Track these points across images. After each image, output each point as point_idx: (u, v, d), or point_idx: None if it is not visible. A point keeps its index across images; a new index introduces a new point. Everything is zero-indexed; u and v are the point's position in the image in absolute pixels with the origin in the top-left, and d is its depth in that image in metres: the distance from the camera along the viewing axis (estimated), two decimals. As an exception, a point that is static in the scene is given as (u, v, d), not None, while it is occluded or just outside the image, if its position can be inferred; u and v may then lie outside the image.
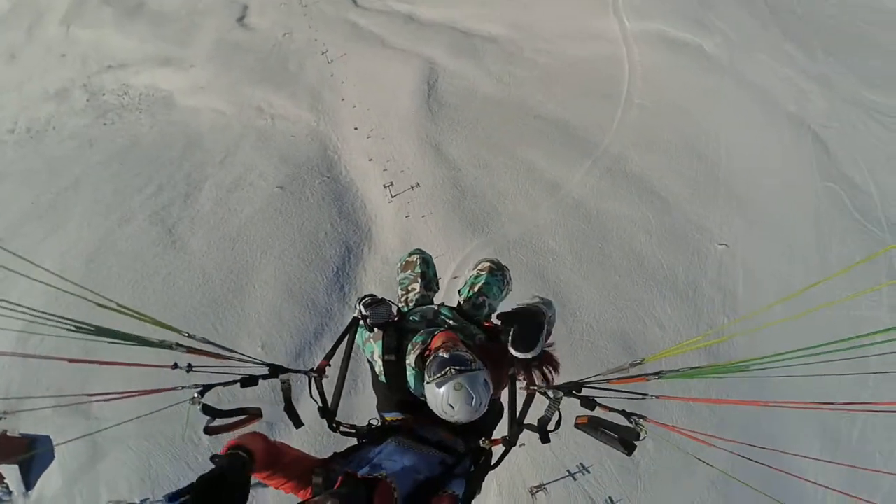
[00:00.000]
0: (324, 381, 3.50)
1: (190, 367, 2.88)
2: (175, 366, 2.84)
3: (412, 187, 18.09)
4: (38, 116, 28.02)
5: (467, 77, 22.29)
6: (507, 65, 22.46)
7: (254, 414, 2.94)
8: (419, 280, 4.01)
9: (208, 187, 19.63)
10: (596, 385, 2.92)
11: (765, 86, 17.43)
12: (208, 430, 2.81)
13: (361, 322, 3.51)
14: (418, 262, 4.11)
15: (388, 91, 22.45)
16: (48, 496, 12.47)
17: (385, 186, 17.93)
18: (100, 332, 2.52)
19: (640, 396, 2.73)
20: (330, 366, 3.55)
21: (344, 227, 17.74)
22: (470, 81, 22.07)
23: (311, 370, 3.45)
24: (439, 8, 27.77)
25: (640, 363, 2.80)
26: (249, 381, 3.08)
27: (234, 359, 3.00)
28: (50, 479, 12.44)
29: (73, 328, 2.44)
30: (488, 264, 3.90)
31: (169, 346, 2.74)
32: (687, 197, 15.54)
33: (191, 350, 2.88)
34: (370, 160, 19.42)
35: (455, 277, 14.42)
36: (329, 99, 23.48)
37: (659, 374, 2.73)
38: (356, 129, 21.05)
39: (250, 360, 3.08)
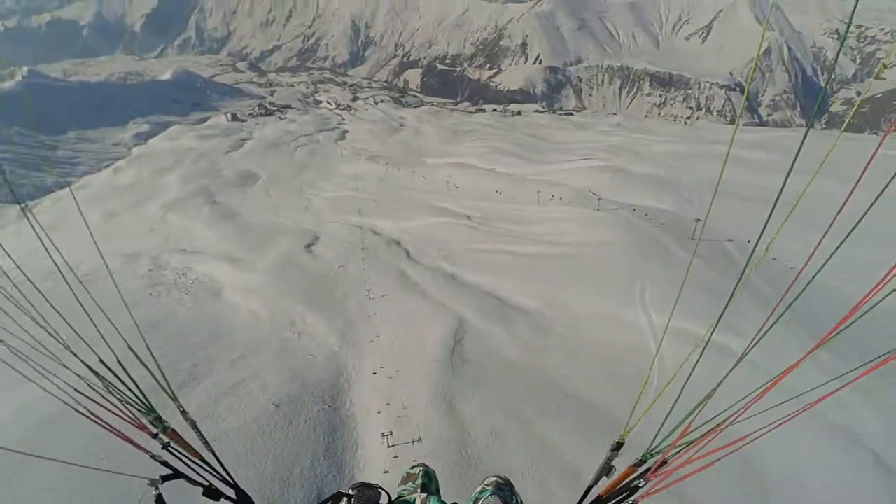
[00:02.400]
0: None
1: (166, 446, 2.63)
2: (156, 435, 2.60)
3: (413, 441, 15.96)
4: (100, 267, 29.04)
5: (495, 338, 22.21)
6: (536, 334, 22.50)
7: None
8: (419, 492, 3.63)
9: (207, 384, 18.10)
10: None
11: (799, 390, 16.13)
12: None
13: (345, 500, 3.24)
14: (420, 475, 3.77)
15: (417, 337, 22.37)
16: None
17: (384, 435, 15.85)
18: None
19: None
20: None
21: (325, 469, 15.11)
22: (497, 343, 21.88)
23: None
24: (481, 274, 30.08)
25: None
26: (213, 494, 2.75)
27: (210, 467, 2.72)
28: None
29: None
30: (495, 479, 3.50)
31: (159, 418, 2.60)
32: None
33: (174, 433, 2.66)
34: (386, 404, 17.79)
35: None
36: (360, 331, 23.53)
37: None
38: (380, 368, 20.12)
39: (226, 474, 2.77)
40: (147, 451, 2.56)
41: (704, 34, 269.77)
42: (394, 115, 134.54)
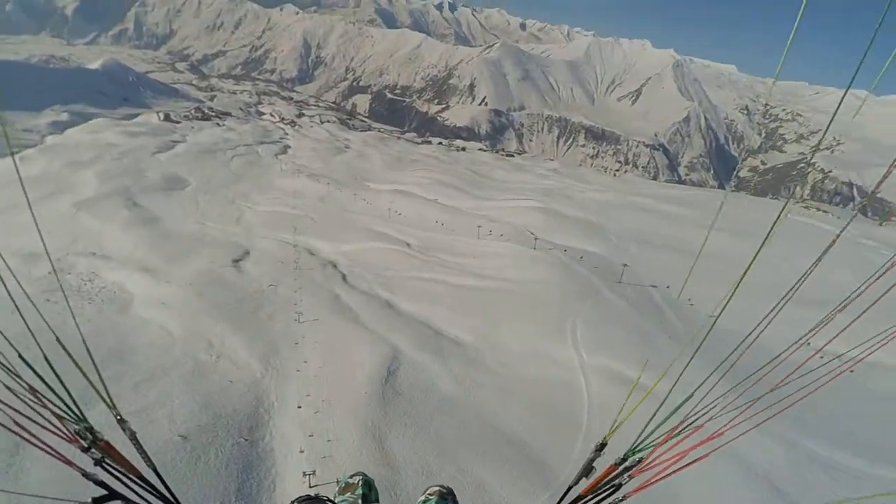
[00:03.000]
0: None
1: (100, 462, 2.17)
2: (87, 449, 2.13)
3: (337, 481, 14.64)
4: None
5: (429, 371, 21.49)
6: (470, 368, 22.08)
7: None
8: (359, 502, 3.50)
9: (102, 408, 15.63)
10: None
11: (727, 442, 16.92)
12: None
13: None
14: (360, 484, 3.57)
15: (348, 366, 21.13)
16: None
17: (305, 474, 14.48)
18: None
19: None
20: None
21: (235, 512, 13.41)
22: (430, 376, 21.17)
23: None
24: (418, 303, 29.37)
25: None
26: None
27: (150, 486, 2.34)
28: None
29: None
30: (438, 488, 3.45)
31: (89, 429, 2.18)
32: None
33: (108, 446, 2.22)
34: (309, 435, 16.36)
35: None
36: (285, 357, 21.83)
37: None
38: (306, 397, 18.62)
39: (169, 494, 2.38)
40: (79, 469, 2.15)
41: (634, 97, 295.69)
42: (339, 136, 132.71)
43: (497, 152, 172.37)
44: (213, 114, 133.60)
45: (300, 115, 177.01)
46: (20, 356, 2.08)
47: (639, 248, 44.67)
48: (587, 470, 2.59)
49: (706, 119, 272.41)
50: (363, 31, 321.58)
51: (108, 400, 2.33)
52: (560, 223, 50.57)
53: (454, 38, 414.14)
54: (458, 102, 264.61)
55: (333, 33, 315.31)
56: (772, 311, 2.04)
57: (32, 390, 2.14)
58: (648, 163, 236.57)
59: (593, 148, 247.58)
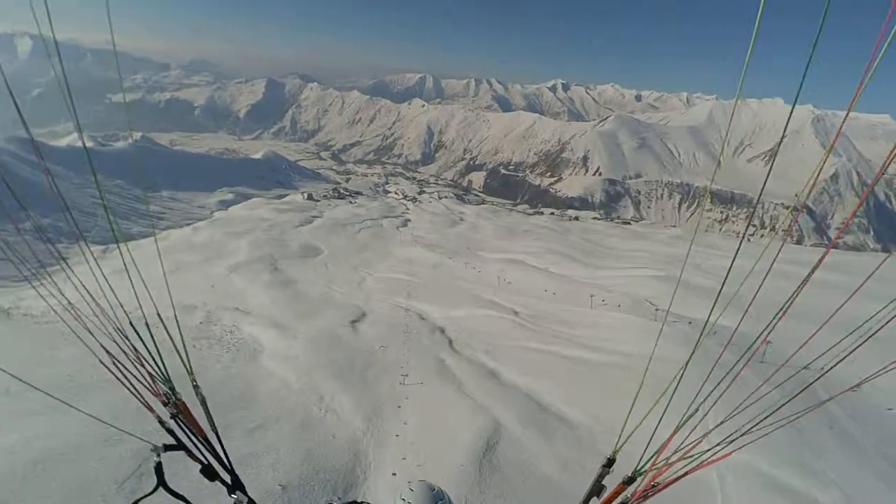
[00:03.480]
0: None
1: (174, 417, 2.77)
2: (166, 402, 2.76)
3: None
4: (153, 314, 29.56)
5: (531, 450, 19.52)
6: (577, 451, 19.61)
7: None
8: None
9: (220, 450, 16.66)
10: None
11: None
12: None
13: None
14: None
15: (446, 435, 20.18)
16: None
17: (394, 545, 13.47)
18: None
19: None
20: None
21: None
22: (532, 455, 19.16)
23: None
24: (524, 374, 27.64)
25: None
26: (210, 474, 2.80)
27: (211, 448, 2.84)
28: None
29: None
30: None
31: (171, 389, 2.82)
32: None
33: (183, 405, 2.82)
34: None
35: None
36: (386, 417, 21.67)
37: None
38: (402, 461, 18.03)
39: (225, 458, 2.87)
40: (157, 417, 2.72)
41: (768, 157, 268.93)
42: (455, 210, 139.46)
43: (612, 220, 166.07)
44: (347, 193, 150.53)
45: (421, 192, 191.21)
46: (131, 325, 2.84)
47: (784, 321, 37.88)
48: (598, 489, 2.57)
49: (859, 175, 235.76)
50: (480, 115, 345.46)
51: (187, 366, 2.95)
52: (685, 293, 45.60)
53: (567, 115, 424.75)
54: (571, 174, 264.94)
55: (454, 120, 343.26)
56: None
57: (136, 353, 2.78)
58: (790, 226, 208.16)
59: (721, 212, 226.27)
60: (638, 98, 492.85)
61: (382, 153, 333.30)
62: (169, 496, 2.71)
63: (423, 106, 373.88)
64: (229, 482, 2.92)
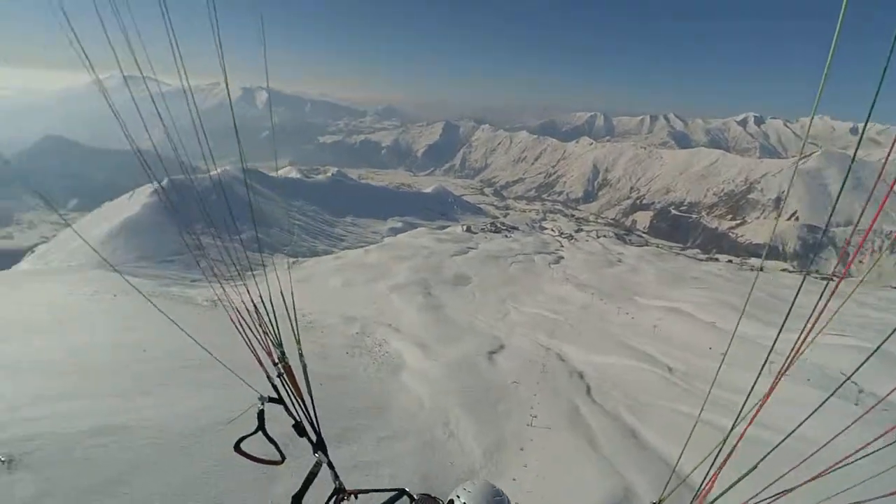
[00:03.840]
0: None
1: (281, 374, 3.26)
2: (276, 362, 3.29)
3: None
4: (322, 318, 33.95)
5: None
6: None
7: (277, 461, 3.33)
8: None
9: (345, 452, 17.90)
10: None
11: None
12: (238, 446, 3.02)
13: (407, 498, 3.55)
14: None
15: (568, 490, 18.53)
16: None
17: None
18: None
19: None
20: (356, 497, 3.57)
21: None
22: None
23: (342, 488, 3.54)
24: (669, 440, 23.95)
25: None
26: (300, 430, 3.26)
27: (305, 408, 3.33)
28: None
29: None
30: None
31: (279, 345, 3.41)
32: None
33: (288, 368, 3.33)
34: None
35: None
36: (507, 457, 20.91)
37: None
38: None
39: (315, 420, 3.31)
40: (266, 372, 3.24)
41: None
42: (613, 250, 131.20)
43: (809, 274, 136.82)
44: (504, 227, 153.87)
45: (578, 230, 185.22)
46: (262, 301, 3.42)
47: None
48: None
49: None
50: (653, 153, 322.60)
51: (296, 335, 3.47)
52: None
53: (759, 150, 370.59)
54: (757, 217, 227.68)
55: (622, 157, 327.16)
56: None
57: (261, 324, 3.37)
58: None
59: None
60: (853, 131, 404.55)
61: (543, 190, 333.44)
62: (264, 441, 3.20)
63: (591, 144, 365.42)
64: (314, 441, 3.32)
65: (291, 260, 66.38)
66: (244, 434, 3.10)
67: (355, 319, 42.71)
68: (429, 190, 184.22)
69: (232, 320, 3.31)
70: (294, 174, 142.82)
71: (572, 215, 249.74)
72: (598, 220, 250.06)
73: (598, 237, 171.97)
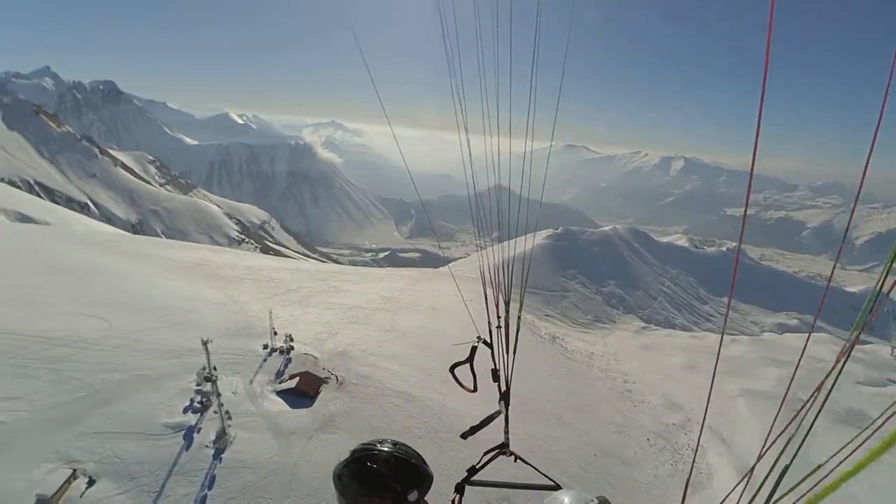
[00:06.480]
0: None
1: (499, 326, 3.90)
2: (499, 316, 3.94)
3: None
4: (636, 390, 31.55)
5: None
6: None
7: (471, 389, 3.63)
8: None
9: None
10: None
11: None
12: (452, 368, 3.68)
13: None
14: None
15: None
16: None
17: None
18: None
19: None
20: (515, 461, 3.53)
21: None
22: None
23: (507, 444, 3.51)
24: None
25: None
26: (495, 376, 3.65)
27: (504, 363, 3.75)
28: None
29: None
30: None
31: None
32: None
33: (507, 325, 4.00)
34: None
35: None
36: None
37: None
38: None
39: (509, 375, 3.64)
40: (490, 322, 3.91)
41: None
42: None
43: None
44: None
45: None
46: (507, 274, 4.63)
47: None
48: None
49: None
50: None
51: (520, 303, 4.17)
52: None
53: None
54: None
55: None
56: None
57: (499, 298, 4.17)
58: None
59: None
60: None
61: None
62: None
63: None
64: (502, 392, 3.60)
65: (642, 325, 63.83)
66: (457, 361, 3.66)
67: (680, 409, 37.01)
68: (855, 290, 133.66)
69: (485, 291, 4.13)
70: (682, 242, 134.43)
71: None
72: None
73: None
